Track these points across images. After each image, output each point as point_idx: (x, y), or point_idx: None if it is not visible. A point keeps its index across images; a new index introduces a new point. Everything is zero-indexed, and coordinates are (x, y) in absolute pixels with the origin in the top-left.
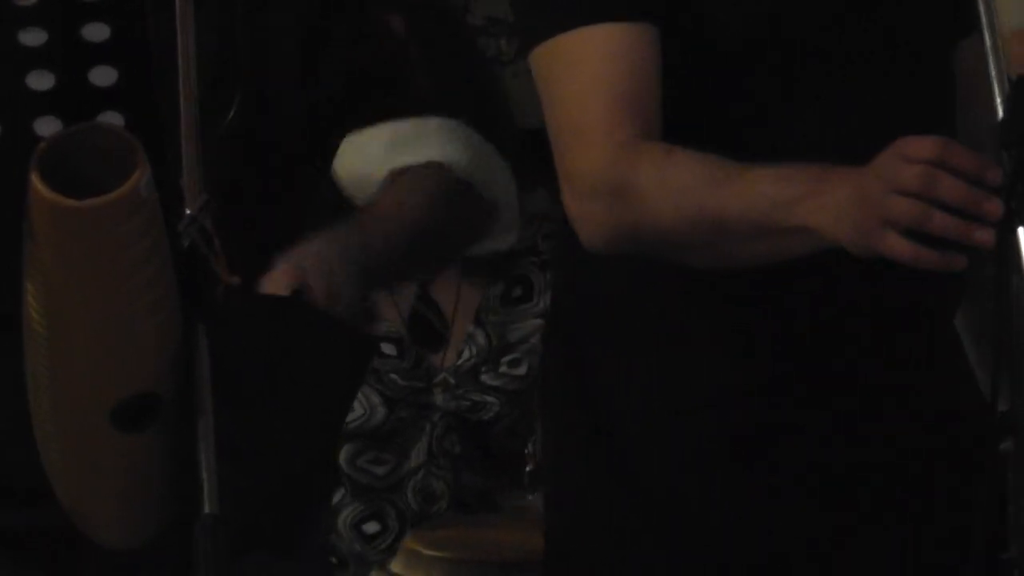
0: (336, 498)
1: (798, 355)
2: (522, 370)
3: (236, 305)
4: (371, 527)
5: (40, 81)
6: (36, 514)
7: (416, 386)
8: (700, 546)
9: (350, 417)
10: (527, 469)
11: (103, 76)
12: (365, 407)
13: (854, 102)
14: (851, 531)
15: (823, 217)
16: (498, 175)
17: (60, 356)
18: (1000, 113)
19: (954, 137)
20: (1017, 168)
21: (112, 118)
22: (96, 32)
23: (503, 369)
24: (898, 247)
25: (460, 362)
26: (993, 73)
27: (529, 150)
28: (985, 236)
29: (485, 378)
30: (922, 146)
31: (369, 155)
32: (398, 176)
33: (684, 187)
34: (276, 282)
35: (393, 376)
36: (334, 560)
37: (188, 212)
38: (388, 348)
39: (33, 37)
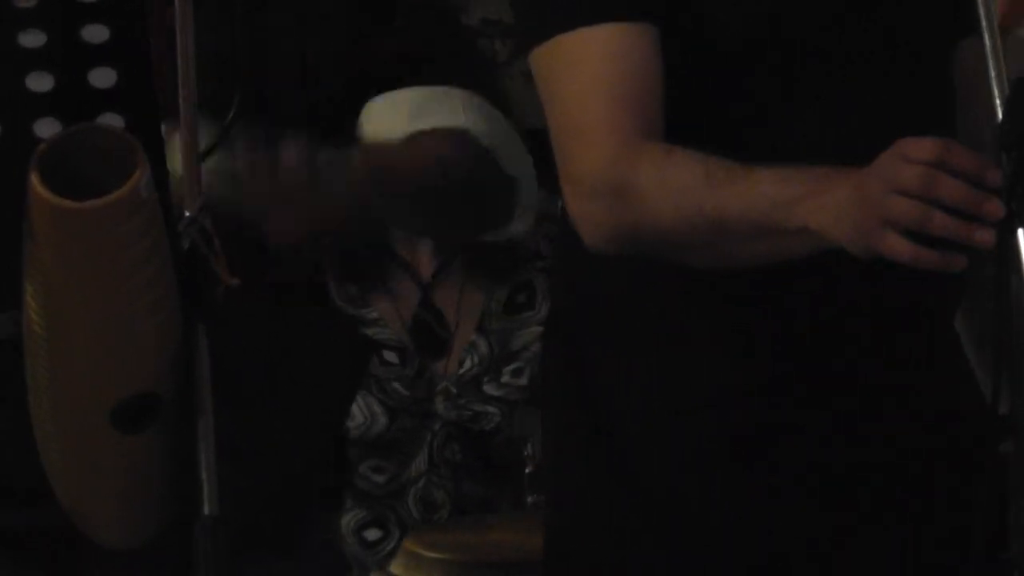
0: None
1: (798, 355)
2: (524, 379)
3: (236, 305)
4: (372, 533)
5: (40, 82)
6: (36, 514)
7: (418, 395)
8: (700, 546)
9: (351, 425)
10: (526, 471)
11: (103, 77)
12: (366, 415)
13: (854, 102)
14: (851, 531)
15: (823, 217)
16: (518, 151)
17: (60, 356)
18: (1000, 114)
19: (954, 137)
20: (1017, 169)
21: (112, 119)
22: (95, 33)
23: (505, 379)
24: (898, 247)
25: (462, 371)
26: (993, 74)
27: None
28: (985, 237)
29: (487, 388)
30: (922, 147)
31: (393, 119)
32: (421, 135)
33: (684, 187)
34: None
35: (395, 385)
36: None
37: (188, 213)
38: (391, 356)
39: (33, 38)
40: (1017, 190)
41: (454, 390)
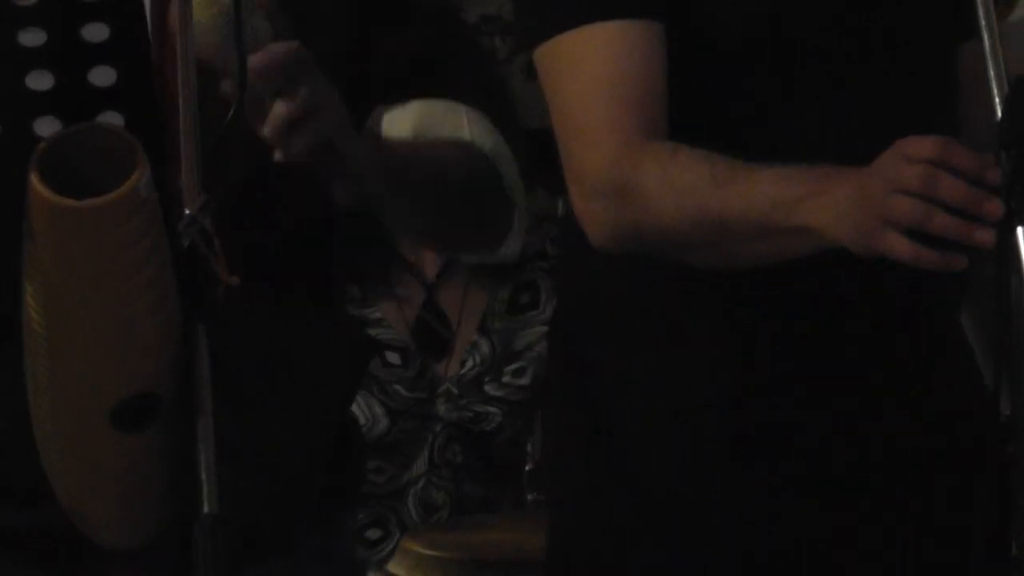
0: None
1: (798, 355)
2: (525, 380)
3: (236, 305)
4: (373, 533)
5: (40, 81)
6: (36, 514)
7: (419, 397)
8: (700, 546)
9: None
10: (526, 468)
11: (102, 76)
12: (367, 417)
13: (854, 102)
14: (851, 531)
15: (824, 217)
16: (515, 174)
17: (60, 356)
18: (999, 113)
19: (955, 137)
20: (1016, 168)
21: (112, 118)
22: (95, 32)
23: (506, 379)
24: (899, 247)
25: (463, 371)
26: (992, 74)
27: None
28: (985, 236)
29: (488, 388)
30: (923, 146)
31: (397, 130)
32: (426, 143)
33: (687, 187)
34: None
35: (397, 387)
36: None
37: (188, 212)
38: (393, 357)
39: (33, 37)
40: (1016, 189)
41: (455, 391)
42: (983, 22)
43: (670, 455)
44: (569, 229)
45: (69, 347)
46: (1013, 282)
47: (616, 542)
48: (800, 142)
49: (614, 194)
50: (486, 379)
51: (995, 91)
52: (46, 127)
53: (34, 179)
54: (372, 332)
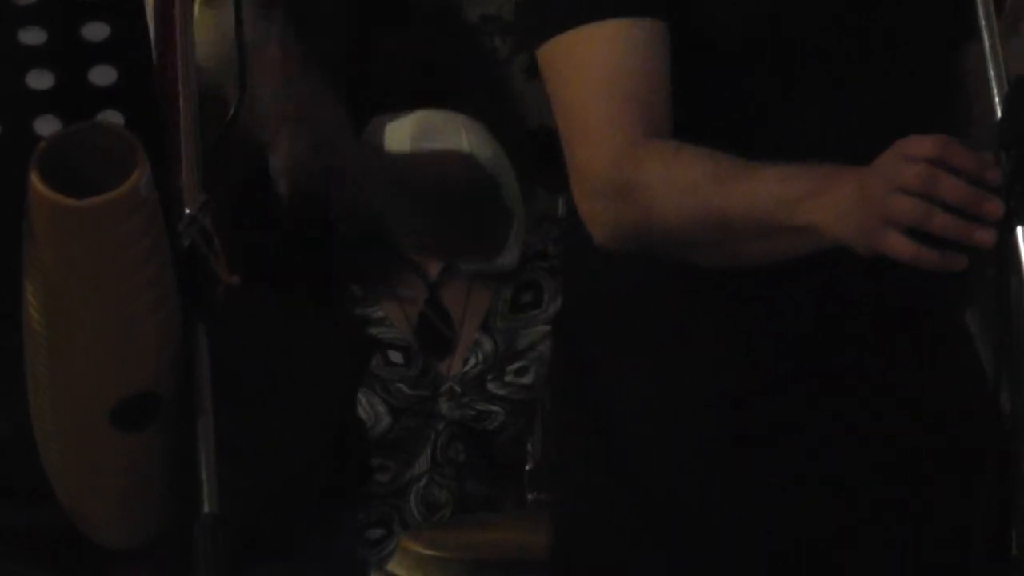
0: None
1: (799, 355)
2: (528, 379)
3: (236, 305)
4: (375, 533)
5: (40, 80)
6: (36, 514)
7: (422, 395)
8: (701, 545)
9: None
10: (527, 468)
11: (103, 75)
12: (370, 415)
13: (854, 102)
14: (852, 531)
15: (825, 216)
16: (514, 184)
17: (60, 356)
18: (999, 113)
19: (955, 137)
20: (1016, 168)
21: (112, 117)
22: (96, 31)
23: (509, 378)
24: (899, 246)
25: (466, 369)
26: (992, 74)
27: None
28: (985, 236)
29: (491, 387)
30: (923, 145)
31: (396, 140)
32: (426, 153)
33: (690, 185)
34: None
35: (400, 385)
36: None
37: (188, 212)
38: (395, 356)
39: (33, 36)
40: (1016, 189)
41: (458, 389)
42: (983, 22)
43: (671, 454)
44: (571, 228)
45: (69, 347)
46: (1013, 282)
47: (617, 542)
48: (800, 142)
49: (617, 193)
50: (489, 378)
51: (995, 91)
52: (46, 126)
53: (34, 178)
54: (375, 331)
